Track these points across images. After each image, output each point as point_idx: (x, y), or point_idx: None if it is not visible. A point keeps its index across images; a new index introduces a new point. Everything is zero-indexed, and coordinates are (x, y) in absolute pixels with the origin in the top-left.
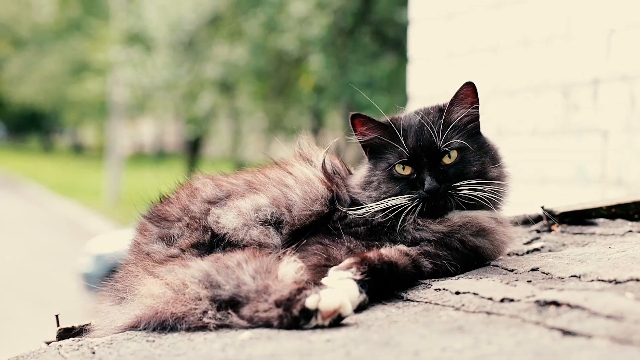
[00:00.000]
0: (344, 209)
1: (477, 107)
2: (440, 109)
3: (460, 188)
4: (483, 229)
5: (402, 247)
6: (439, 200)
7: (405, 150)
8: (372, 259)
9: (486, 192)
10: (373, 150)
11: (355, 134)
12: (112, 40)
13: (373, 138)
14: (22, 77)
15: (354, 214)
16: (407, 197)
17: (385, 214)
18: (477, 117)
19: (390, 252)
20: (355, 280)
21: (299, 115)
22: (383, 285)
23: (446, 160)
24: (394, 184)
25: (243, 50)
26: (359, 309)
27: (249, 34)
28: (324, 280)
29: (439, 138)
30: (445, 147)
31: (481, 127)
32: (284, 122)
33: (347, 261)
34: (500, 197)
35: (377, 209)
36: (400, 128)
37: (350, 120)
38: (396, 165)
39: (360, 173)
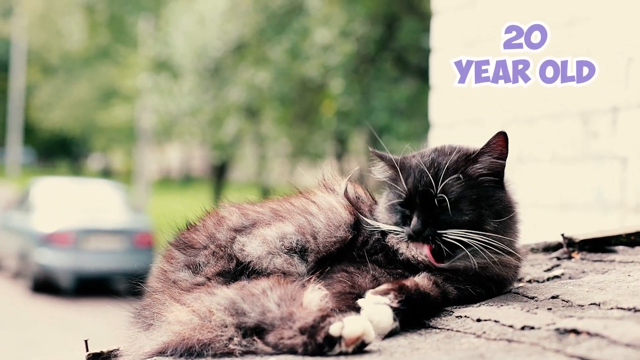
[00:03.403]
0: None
1: (504, 158)
2: (466, 157)
3: (446, 234)
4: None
5: (433, 277)
6: (424, 241)
7: (404, 192)
8: (410, 289)
9: (475, 241)
10: (390, 179)
11: (375, 167)
12: (139, 68)
13: (388, 174)
14: (52, 103)
15: (368, 227)
16: (400, 228)
17: (383, 236)
18: (499, 168)
19: (424, 282)
20: (391, 307)
21: (322, 140)
22: (415, 315)
23: (441, 204)
24: (394, 214)
25: (267, 77)
26: (389, 335)
27: (273, 61)
28: (359, 302)
29: (437, 185)
30: (441, 193)
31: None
32: (308, 147)
33: (385, 286)
34: (499, 247)
35: (379, 228)
36: (405, 168)
37: (370, 154)
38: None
39: (383, 198)
